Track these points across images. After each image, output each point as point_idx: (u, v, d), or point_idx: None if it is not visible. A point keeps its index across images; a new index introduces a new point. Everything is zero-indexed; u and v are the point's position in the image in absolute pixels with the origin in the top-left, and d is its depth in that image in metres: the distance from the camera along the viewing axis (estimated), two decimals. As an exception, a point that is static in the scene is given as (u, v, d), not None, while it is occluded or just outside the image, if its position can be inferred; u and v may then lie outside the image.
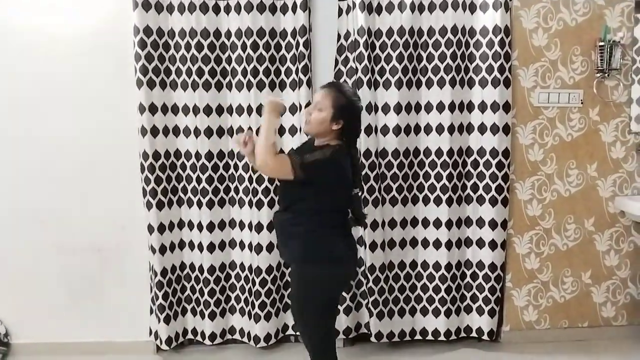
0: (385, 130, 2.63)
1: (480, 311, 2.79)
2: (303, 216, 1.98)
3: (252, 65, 2.56)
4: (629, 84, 2.72)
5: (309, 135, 2.12)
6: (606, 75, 2.69)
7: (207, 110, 2.61)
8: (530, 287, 2.85)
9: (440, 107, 2.63)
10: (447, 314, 2.77)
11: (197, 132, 2.62)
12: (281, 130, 2.66)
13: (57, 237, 2.74)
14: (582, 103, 2.72)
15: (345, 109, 1.97)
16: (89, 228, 2.74)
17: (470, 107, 2.67)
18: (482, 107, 2.64)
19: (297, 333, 2.24)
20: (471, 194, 2.73)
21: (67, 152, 2.68)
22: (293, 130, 2.66)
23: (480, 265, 2.76)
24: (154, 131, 2.59)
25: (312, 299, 2.02)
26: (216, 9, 2.57)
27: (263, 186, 2.64)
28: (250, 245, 2.72)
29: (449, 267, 2.73)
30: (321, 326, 2.08)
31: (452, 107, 2.62)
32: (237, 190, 2.71)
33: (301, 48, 2.56)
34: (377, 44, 2.60)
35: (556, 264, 2.84)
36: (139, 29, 2.50)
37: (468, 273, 2.79)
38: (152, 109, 2.57)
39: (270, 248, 2.68)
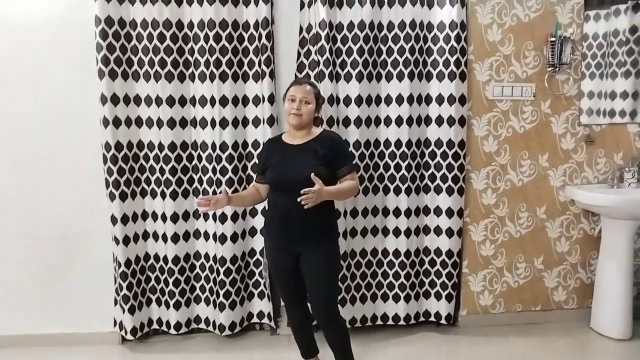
0: (346, 122, 2.69)
1: (438, 296, 2.90)
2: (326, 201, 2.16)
3: (214, 57, 2.58)
4: (578, 78, 2.85)
5: (295, 127, 2.19)
6: (557, 69, 2.81)
7: (170, 101, 2.62)
8: (485, 272, 2.97)
9: (400, 100, 2.70)
10: (407, 299, 2.87)
11: (159, 123, 2.64)
12: (245, 122, 2.70)
13: (20, 224, 2.72)
14: (534, 96, 2.84)
15: (320, 98, 2.28)
16: (53, 215, 2.73)
17: (428, 99, 2.76)
18: (440, 100, 2.73)
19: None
20: (429, 183, 2.82)
21: (30, 140, 2.66)
22: (257, 122, 2.69)
23: (438, 252, 2.86)
24: (116, 122, 2.59)
25: (338, 269, 2.43)
26: (178, 0, 2.57)
27: (227, 177, 2.67)
28: (214, 235, 2.75)
29: (408, 254, 2.82)
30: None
31: (410, 99, 2.70)
32: (200, 181, 2.73)
33: (264, 40, 2.59)
34: (339, 37, 2.65)
35: (510, 250, 2.96)
36: (101, 19, 2.49)
37: (426, 260, 2.89)
38: (114, 99, 2.57)
39: (234, 238, 2.72)
